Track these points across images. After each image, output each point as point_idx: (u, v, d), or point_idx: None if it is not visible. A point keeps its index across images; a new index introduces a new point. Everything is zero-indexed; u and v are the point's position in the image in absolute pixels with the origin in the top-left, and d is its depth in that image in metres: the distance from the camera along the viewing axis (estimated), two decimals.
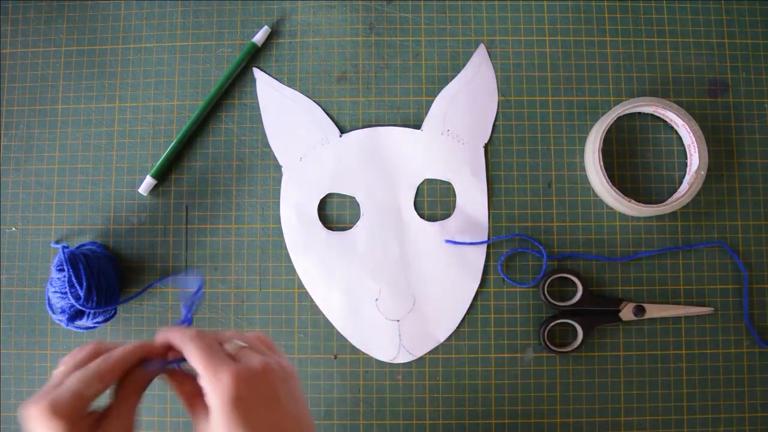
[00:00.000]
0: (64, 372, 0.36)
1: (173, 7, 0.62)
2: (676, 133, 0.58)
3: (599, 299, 0.56)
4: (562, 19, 0.60)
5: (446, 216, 0.58)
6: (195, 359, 0.36)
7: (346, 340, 0.57)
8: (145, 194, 0.59)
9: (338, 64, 0.60)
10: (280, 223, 0.59)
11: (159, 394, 0.57)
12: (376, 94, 0.60)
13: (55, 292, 0.52)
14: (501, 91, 0.59)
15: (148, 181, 0.59)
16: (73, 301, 0.52)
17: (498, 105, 0.59)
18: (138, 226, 0.59)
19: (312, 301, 0.58)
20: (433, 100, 0.59)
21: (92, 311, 0.53)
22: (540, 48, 0.60)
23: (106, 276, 0.54)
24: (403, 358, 0.57)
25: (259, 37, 0.60)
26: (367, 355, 0.57)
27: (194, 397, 0.37)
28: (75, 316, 0.53)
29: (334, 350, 0.57)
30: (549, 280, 0.56)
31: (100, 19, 0.62)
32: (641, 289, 0.57)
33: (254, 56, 0.60)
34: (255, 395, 0.35)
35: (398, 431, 0.56)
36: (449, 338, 0.57)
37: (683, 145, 0.58)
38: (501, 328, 0.57)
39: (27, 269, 0.59)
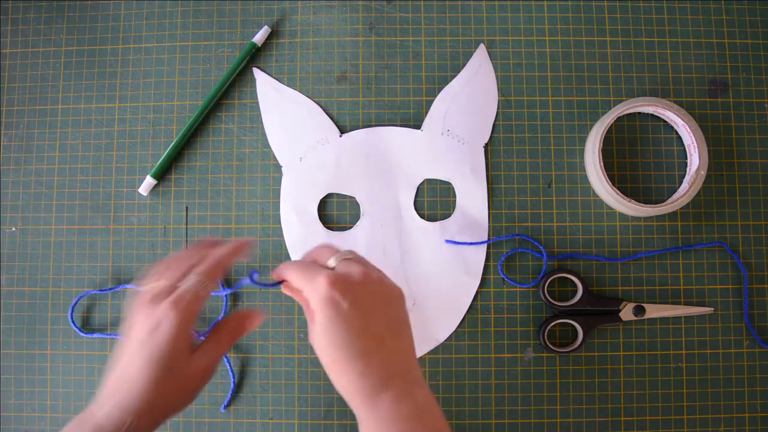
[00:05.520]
0: (169, 267, 0.42)
1: (173, 7, 0.62)
2: (676, 133, 0.58)
3: (599, 299, 0.56)
4: (562, 19, 0.60)
5: (446, 216, 0.58)
6: (294, 278, 0.40)
7: None
8: (145, 194, 0.59)
9: (338, 64, 0.60)
10: (280, 223, 0.59)
11: None
12: (376, 94, 0.60)
13: None
14: (501, 91, 0.59)
15: (148, 181, 0.59)
16: None
17: (498, 105, 0.59)
18: (138, 226, 0.59)
19: None
20: (433, 100, 0.59)
21: None
22: (540, 48, 0.60)
23: None
24: None
25: (259, 37, 0.60)
26: None
27: (308, 307, 0.40)
28: None
29: None
30: (549, 280, 0.56)
31: (100, 19, 0.62)
32: (641, 289, 0.57)
33: (254, 56, 0.60)
34: (350, 298, 0.38)
35: None
36: (449, 338, 0.57)
37: (683, 145, 0.58)
38: (501, 328, 0.57)
39: (27, 269, 0.59)
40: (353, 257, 0.42)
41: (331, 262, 0.41)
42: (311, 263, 0.42)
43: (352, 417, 0.56)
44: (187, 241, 0.59)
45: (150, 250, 0.59)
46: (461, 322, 0.57)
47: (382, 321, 0.39)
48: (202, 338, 0.43)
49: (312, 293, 0.39)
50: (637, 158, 0.58)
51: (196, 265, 0.42)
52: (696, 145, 0.55)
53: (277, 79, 0.60)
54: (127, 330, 0.41)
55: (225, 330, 0.43)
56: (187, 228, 0.59)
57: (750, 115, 0.59)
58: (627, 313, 0.56)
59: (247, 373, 0.57)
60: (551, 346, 0.55)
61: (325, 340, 0.38)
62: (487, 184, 0.58)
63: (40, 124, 0.61)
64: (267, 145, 0.59)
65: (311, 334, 0.40)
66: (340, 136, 0.59)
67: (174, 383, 0.40)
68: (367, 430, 0.38)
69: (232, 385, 0.57)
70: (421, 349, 0.57)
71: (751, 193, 0.58)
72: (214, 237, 0.47)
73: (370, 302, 0.39)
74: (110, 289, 0.58)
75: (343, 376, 0.38)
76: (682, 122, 0.55)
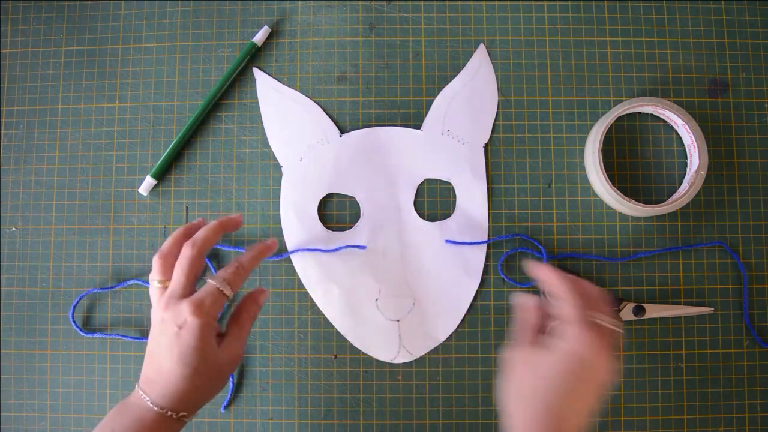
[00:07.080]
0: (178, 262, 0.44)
1: (173, 7, 0.62)
2: (676, 133, 0.58)
3: None
4: (562, 19, 0.60)
5: (446, 216, 0.58)
6: (570, 301, 0.42)
7: (346, 340, 0.57)
8: (145, 194, 0.59)
9: (338, 64, 0.60)
10: (280, 223, 0.59)
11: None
12: (376, 94, 0.60)
13: None
14: (501, 91, 0.59)
15: (148, 181, 0.59)
16: None
17: (498, 105, 0.59)
18: (138, 226, 0.59)
19: (312, 301, 0.58)
20: (433, 100, 0.59)
21: None
22: (540, 48, 0.60)
23: None
24: (403, 358, 0.57)
25: (259, 37, 0.60)
26: (367, 355, 0.57)
27: (539, 332, 0.44)
28: None
29: (334, 350, 0.57)
30: None
31: (100, 19, 0.62)
32: (641, 289, 0.57)
33: (254, 56, 0.60)
34: (597, 366, 0.40)
35: (398, 431, 0.56)
36: (449, 338, 0.57)
37: (683, 145, 0.58)
38: (501, 328, 0.57)
39: (27, 269, 0.59)
40: (618, 329, 0.43)
41: (603, 320, 0.42)
42: (592, 300, 0.43)
43: (352, 417, 0.57)
44: None
45: (150, 250, 0.59)
46: (461, 322, 0.57)
47: (591, 402, 0.41)
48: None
49: (578, 331, 0.41)
50: (637, 158, 0.58)
51: (200, 251, 0.44)
52: (696, 145, 0.55)
53: (277, 79, 0.60)
54: (157, 323, 0.43)
55: (242, 315, 0.46)
56: None
57: (750, 115, 0.59)
58: (627, 313, 0.56)
59: (247, 373, 0.57)
60: None
61: (547, 376, 0.40)
62: (487, 184, 0.58)
63: (40, 124, 0.61)
64: (267, 145, 0.59)
65: (525, 353, 0.42)
66: (340, 136, 0.59)
67: (206, 375, 0.43)
68: None
69: (231, 385, 0.57)
70: (421, 349, 0.57)
71: (751, 193, 0.58)
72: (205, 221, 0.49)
73: (596, 385, 0.41)
74: (112, 287, 0.58)
75: (521, 415, 0.40)
76: (682, 122, 0.55)
